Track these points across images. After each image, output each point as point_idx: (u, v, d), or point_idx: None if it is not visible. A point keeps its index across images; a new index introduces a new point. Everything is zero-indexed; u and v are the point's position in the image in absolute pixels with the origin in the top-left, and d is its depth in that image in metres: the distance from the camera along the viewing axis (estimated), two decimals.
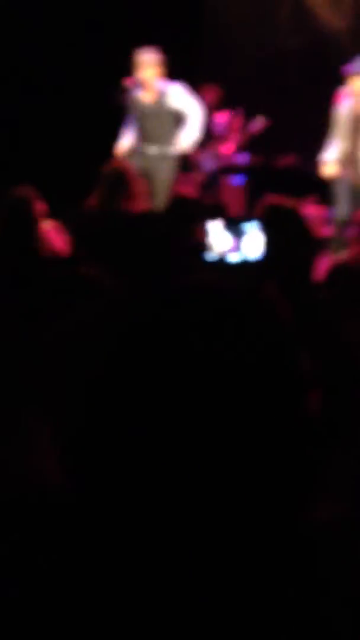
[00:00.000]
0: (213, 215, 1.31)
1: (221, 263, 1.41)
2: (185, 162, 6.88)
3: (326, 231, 7.56)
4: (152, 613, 0.69)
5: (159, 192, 6.33)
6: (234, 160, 8.00)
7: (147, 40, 8.00)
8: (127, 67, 7.10)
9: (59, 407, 0.78)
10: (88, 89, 7.70)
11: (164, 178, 6.45)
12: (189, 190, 6.61)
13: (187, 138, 6.45)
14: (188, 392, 0.71)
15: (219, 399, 0.71)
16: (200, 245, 1.34)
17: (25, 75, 7.97)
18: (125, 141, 6.50)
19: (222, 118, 7.84)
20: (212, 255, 1.42)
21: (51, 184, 4.96)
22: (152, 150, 6.45)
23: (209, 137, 7.69)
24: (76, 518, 0.74)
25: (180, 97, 6.38)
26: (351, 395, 1.09)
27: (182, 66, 6.58)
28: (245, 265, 1.41)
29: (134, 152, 6.45)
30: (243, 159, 8.24)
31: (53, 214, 4.35)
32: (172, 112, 6.40)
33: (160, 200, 6.23)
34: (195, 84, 7.10)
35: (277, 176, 8.18)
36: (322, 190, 7.79)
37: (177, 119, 6.45)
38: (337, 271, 4.39)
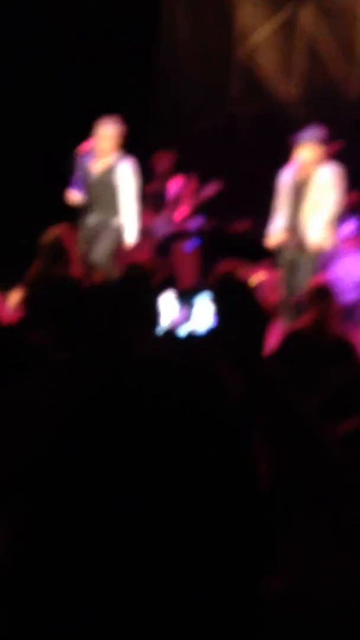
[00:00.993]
0: (165, 286, 1.25)
1: (172, 335, 1.34)
2: (139, 228, 6.87)
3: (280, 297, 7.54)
4: None
5: (96, 258, 6.42)
6: (187, 225, 8.01)
7: (98, 106, 8.03)
8: (75, 133, 7.09)
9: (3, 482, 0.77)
10: (34, 154, 7.68)
11: (104, 245, 6.50)
12: (143, 256, 6.57)
13: (127, 223, 6.54)
14: (135, 466, 0.70)
15: (167, 472, 0.70)
16: (151, 317, 1.27)
17: None
18: (78, 196, 6.55)
19: (176, 183, 7.86)
20: (162, 327, 1.34)
21: None
22: (92, 220, 6.56)
23: (163, 202, 7.69)
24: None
25: (123, 174, 6.46)
26: (305, 468, 1.06)
27: (134, 132, 6.63)
28: (195, 337, 1.33)
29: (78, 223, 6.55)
30: (196, 223, 8.26)
31: None
32: (116, 185, 6.49)
33: (97, 263, 6.32)
34: (148, 150, 7.11)
35: (231, 241, 8.19)
36: (276, 255, 7.79)
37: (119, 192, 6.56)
38: (290, 339, 4.33)
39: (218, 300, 1.32)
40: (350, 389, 2.51)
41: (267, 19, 9.01)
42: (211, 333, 1.30)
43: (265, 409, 1.12)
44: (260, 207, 8.26)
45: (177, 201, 7.82)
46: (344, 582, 0.85)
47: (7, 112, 7.98)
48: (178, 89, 9.14)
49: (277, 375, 1.24)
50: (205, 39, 9.18)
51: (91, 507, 0.71)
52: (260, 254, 8.06)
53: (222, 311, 1.30)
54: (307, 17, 8.85)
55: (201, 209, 7.99)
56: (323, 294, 4.21)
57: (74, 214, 6.65)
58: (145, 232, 7.14)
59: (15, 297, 4.73)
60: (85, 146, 6.46)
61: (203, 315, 1.31)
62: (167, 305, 1.32)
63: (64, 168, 6.63)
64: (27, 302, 4.51)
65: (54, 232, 4.76)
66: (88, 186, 6.50)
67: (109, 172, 6.46)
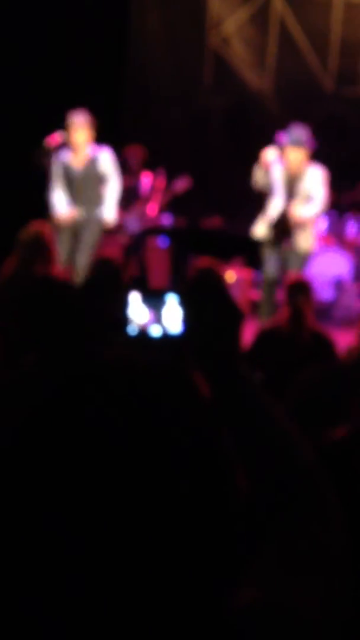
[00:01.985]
0: (134, 286, 1.18)
1: (142, 337, 1.25)
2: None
3: (253, 294, 7.44)
4: None
5: (83, 254, 6.45)
6: (159, 221, 7.88)
7: (68, 99, 7.88)
8: (45, 127, 6.95)
9: None
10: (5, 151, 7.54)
11: (89, 240, 6.53)
12: (114, 252, 6.46)
13: (109, 209, 6.63)
14: (99, 473, 0.68)
15: (133, 479, 0.69)
16: (121, 316, 1.20)
17: None
18: (62, 202, 6.53)
19: (146, 178, 7.72)
20: (132, 328, 1.25)
21: None
22: (80, 214, 6.54)
23: (135, 198, 7.55)
24: None
25: (107, 164, 6.52)
26: (277, 476, 1.01)
27: (104, 124, 6.57)
28: (166, 338, 1.24)
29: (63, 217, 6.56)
30: (167, 220, 8.14)
31: None
32: (100, 176, 6.52)
33: (83, 261, 6.34)
34: (118, 144, 7.00)
35: (202, 238, 8.10)
36: (248, 252, 7.68)
37: (104, 182, 6.60)
38: (266, 336, 4.24)
39: (192, 298, 1.29)
40: (326, 389, 2.47)
41: (240, 8, 8.86)
42: (184, 333, 1.26)
43: (238, 412, 1.09)
44: (231, 202, 8.15)
45: (147, 197, 7.69)
46: (320, 592, 0.83)
47: None
48: (148, 79, 9.02)
49: (250, 375, 1.20)
50: (176, 28, 9.04)
51: (42, 519, 0.68)
52: (233, 251, 7.96)
53: (197, 309, 1.28)
54: (280, 6, 8.72)
55: (171, 204, 7.87)
56: (299, 289, 4.14)
57: (46, 208, 6.62)
58: (115, 229, 7.03)
59: None
60: (54, 139, 6.38)
61: (173, 315, 1.28)
62: (137, 305, 1.31)
63: (34, 161, 6.53)
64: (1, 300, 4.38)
65: (34, 228, 4.60)
66: (69, 181, 6.46)
67: (91, 165, 6.46)
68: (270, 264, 6.39)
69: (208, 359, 1.15)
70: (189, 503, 0.71)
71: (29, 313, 4.28)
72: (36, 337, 4.14)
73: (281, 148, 6.22)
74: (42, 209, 6.51)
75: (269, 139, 6.47)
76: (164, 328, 1.26)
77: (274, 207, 6.34)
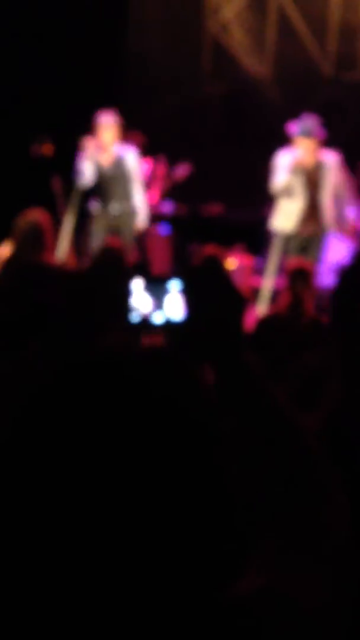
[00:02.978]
0: (136, 273, 1.17)
1: (144, 324, 1.25)
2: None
3: (255, 281, 7.44)
4: None
5: (128, 247, 6.67)
6: (159, 209, 7.86)
7: (67, 87, 7.86)
8: (44, 115, 6.94)
9: None
10: (7, 142, 7.53)
11: (130, 233, 6.88)
12: (116, 240, 6.46)
13: (143, 216, 6.93)
14: (95, 461, 0.69)
15: (128, 465, 0.69)
16: (124, 304, 1.20)
17: None
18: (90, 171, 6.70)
19: (146, 166, 7.69)
20: (135, 315, 1.26)
21: None
22: (115, 209, 6.84)
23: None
24: None
25: (133, 163, 6.79)
26: (279, 461, 1.00)
27: (115, 110, 6.64)
28: (169, 325, 1.24)
29: (99, 212, 6.85)
30: (168, 207, 8.12)
31: None
32: (129, 173, 6.80)
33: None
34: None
35: (203, 225, 8.08)
36: (249, 239, 7.67)
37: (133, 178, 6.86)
38: (266, 323, 4.24)
39: (197, 284, 1.28)
40: (324, 374, 2.47)
41: None
42: (186, 320, 1.25)
43: (240, 399, 1.08)
44: (232, 188, 8.13)
45: (148, 184, 7.67)
46: (323, 580, 0.82)
47: None
48: (147, 66, 8.97)
49: (253, 362, 1.19)
50: (175, 15, 9.00)
51: (43, 506, 0.68)
52: (234, 238, 7.94)
53: (201, 295, 1.27)
54: None
55: (172, 191, 7.85)
56: (299, 276, 4.14)
57: (51, 198, 6.75)
58: None
59: None
60: (90, 139, 6.59)
61: (175, 302, 1.28)
62: (139, 294, 1.30)
63: (34, 151, 6.75)
64: None
65: (33, 215, 4.59)
66: (100, 178, 6.73)
67: (119, 163, 6.72)
68: (294, 253, 6.46)
69: (211, 346, 1.15)
70: (184, 490, 0.71)
71: (20, 300, 4.27)
72: (31, 324, 4.14)
73: (294, 140, 6.28)
74: (44, 198, 6.52)
75: (268, 125, 6.45)
76: (166, 315, 1.27)
77: (298, 203, 6.44)
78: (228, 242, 7.98)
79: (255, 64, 8.78)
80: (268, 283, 6.67)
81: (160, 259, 7.81)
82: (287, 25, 8.57)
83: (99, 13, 8.53)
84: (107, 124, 6.58)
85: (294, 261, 4.76)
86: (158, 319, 1.28)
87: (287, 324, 4.06)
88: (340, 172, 6.41)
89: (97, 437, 0.70)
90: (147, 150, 7.68)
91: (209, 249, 4.57)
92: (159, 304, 1.27)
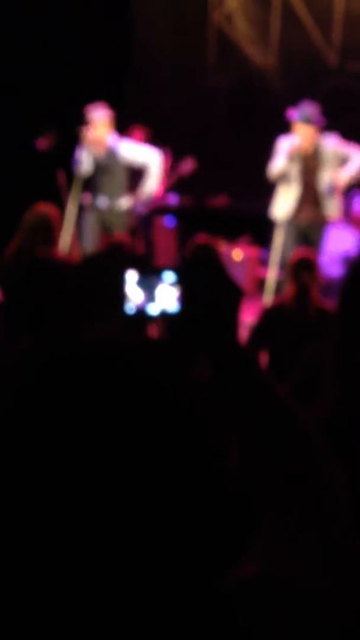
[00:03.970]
0: (134, 265, 1.17)
1: (139, 315, 1.26)
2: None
3: (262, 272, 7.43)
4: None
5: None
6: (165, 201, 7.85)
7: (72, 79, 7.84)
8: (49, 107, 6.94)
9: None
10: (11, 135, 7.53)
11: (119, 231, 6.75)
12: (122, 234, 6.47)
13: (150, 186, 6.89)
14: (86, 453, 0.69)
15: (120, 460, 0.69)
16: (119, 297, 1.21)
17: None
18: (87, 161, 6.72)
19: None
20: (130, 307, 1.26)
21: None
22: (103, 203, 6.81)
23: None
24: None
25: (133, 151, 6.75)
26: (279, 451, 1.01)
27: (108, 106, 6.62)
28: (164, 317, 1.25)
29: (89, 205, 6.85)
30: (173, 200, 8.11)
31: None
32: (123, 166, 6.75)
33: None
34: (122, 124, 6.99)
35: (208, 217, 8.07)
36: (255, 230, 7.66)
37: (129, 174, 6.82)
38: (272, 313, 4.24)
39: (189, 274, 1.30)
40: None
41: None
42: (181, 311, 1.26)
43: (237, 390, 1.08)
44: (237, 180, 8.11)
45: None
46: (322, 564, 0.83)
47: None
48: (152, 58, 8.94)
49: (252, 353, 1.14)
50: (179, 6, 8.98)
51: (36, 492, 0.68)
52: (240, 230, 7.93)
53: (194, 286, 1.28)
54: None
55: (177, 183, 7.84)
56: (304, 266, 4.12)
57: (55, 192, 6.76)
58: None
59: None
60: (88, 128, 6.62)
61: (170, 294, 1.29)
62: (134, 286, 1.31)
63: (40, 145, 6.74)
64: (3, 279, 4.40)
65: (42, 209, 4.60)
66: (94, 170, 6.74)
67: (111, 156, 6.71)
68: (289, 243, 6.48)
69: (206, 336, 1.15)
70: (179, 482, 0.71)
71: (26, 293, 4.30)
72: (34, 316, 4.16)
73: (293, 126, 6.32)
74: (49, 192, 6.53)
75: (273, 115, 6.44)
76: (160, 306, 1.27)
77: (294, 190, 6.46)
78: (234, 233, 7.97)
79: (260, 54, 8.75)
80: (272, 273, 6.67)
81: (166, 251, 7.81)
82: (292, 15, 8.53)
83: (104, 5, 8.51)
84: (99, 120, 6.58)
85: (298, 251, 4.74)
86: (153, 310, 1.28)
87: (294, 314, 4.05)
88: (340, 143, 6.44)
89: (86, 427, 0.70)
90: (152, 143, 7.67)
91: (200, 239, 4.55)
92: (151, 296, 1.28)
